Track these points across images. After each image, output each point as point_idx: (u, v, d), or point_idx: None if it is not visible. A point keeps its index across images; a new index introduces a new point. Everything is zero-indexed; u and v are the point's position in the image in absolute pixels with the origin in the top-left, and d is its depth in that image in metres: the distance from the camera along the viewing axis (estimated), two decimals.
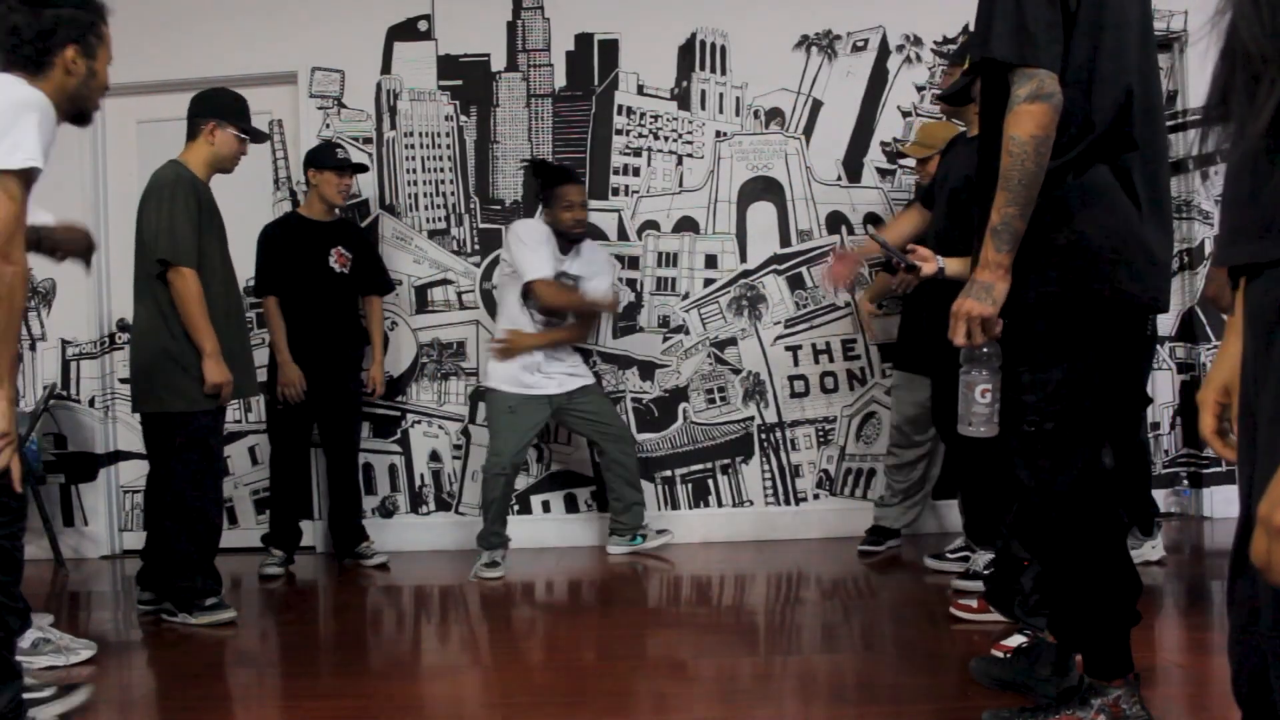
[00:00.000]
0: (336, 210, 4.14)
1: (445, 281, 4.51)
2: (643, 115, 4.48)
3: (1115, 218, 1.86)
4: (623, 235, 4.48)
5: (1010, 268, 1.85)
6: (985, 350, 1.91)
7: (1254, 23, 0.89)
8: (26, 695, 2.20)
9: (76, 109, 2.30)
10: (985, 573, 3.23)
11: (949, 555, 3.70)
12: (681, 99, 4.49)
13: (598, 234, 4.47)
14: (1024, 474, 1.97)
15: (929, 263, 2.50)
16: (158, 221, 3.22)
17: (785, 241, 4.47)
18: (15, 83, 2.09)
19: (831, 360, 4.46)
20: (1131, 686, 1.97)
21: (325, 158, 4.06)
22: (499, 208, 4.51)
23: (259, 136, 3.50)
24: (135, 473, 4.64)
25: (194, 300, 3.20)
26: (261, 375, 3.99)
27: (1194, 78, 4.33)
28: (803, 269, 4.45)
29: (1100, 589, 1.95)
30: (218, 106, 3.39)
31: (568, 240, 3.99)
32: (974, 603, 2.97)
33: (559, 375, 4.03)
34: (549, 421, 4.12)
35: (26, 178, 1.98)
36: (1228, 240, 1.00)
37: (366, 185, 4.51)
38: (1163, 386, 4.47)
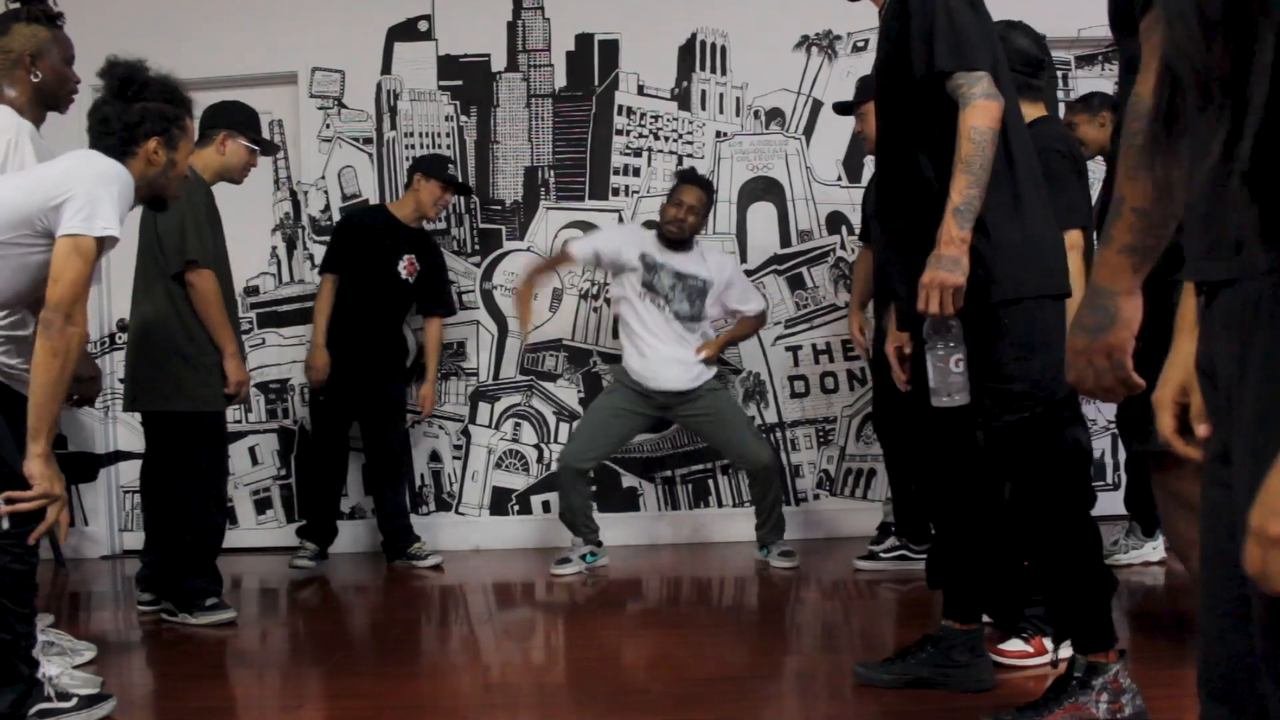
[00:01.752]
0: (424, 221, 4.14)
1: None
2: (643, 115, 4.48)
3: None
4: None
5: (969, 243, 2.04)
6: (952, 322, 2.06)
7: (1200, 44, 0.90)
8: (47, 704, 2.19)
9: (153, 194, 2.45)
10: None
11: (882, 556, 3.73)
12: (681, 99, 4.49)
13: None
14: (1015, 460, 2.12)
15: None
16: (180, 222, 3.18)
17: (785, 242, 4.47)
18: (97, 157, 2.25)
19: (831, 360, 4.46)
20: (1124, 660, 2.05)
21: (437, 169, 4.06)
22: (499, 208, 4.51)
23: (269, 149, 3.53)
24: (135, 473, 4.63)
25: (216, 300, 3.21)
26: (260, 375, 4.00)
27: None
28: (803, 269, 4.45)
29: (1089, 562, 2.09)
30: (230, 117, 3.41)
31: (668, 241, 3.90)
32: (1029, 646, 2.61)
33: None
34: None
35: (101, 245, 2.15)
36: (1202, 255, 1.02)
37: (367, 186, 4.51)
38: None
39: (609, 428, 3.90)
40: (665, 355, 3.84)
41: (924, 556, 3.65)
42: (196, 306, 3.20)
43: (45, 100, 2.68)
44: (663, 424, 4.21)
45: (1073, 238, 2.58)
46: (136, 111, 2.36)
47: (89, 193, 2.12)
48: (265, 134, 3.62)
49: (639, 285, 3.87)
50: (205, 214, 3.25)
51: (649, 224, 4.22)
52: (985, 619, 2.45)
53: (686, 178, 3.96)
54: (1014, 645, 2.56)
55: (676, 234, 3.87)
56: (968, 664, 2.35)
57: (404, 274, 4.06)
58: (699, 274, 3.90)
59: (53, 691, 2.25)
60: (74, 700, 2.28)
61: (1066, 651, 2.35)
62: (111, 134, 2.33)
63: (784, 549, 3.91)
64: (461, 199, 4.47)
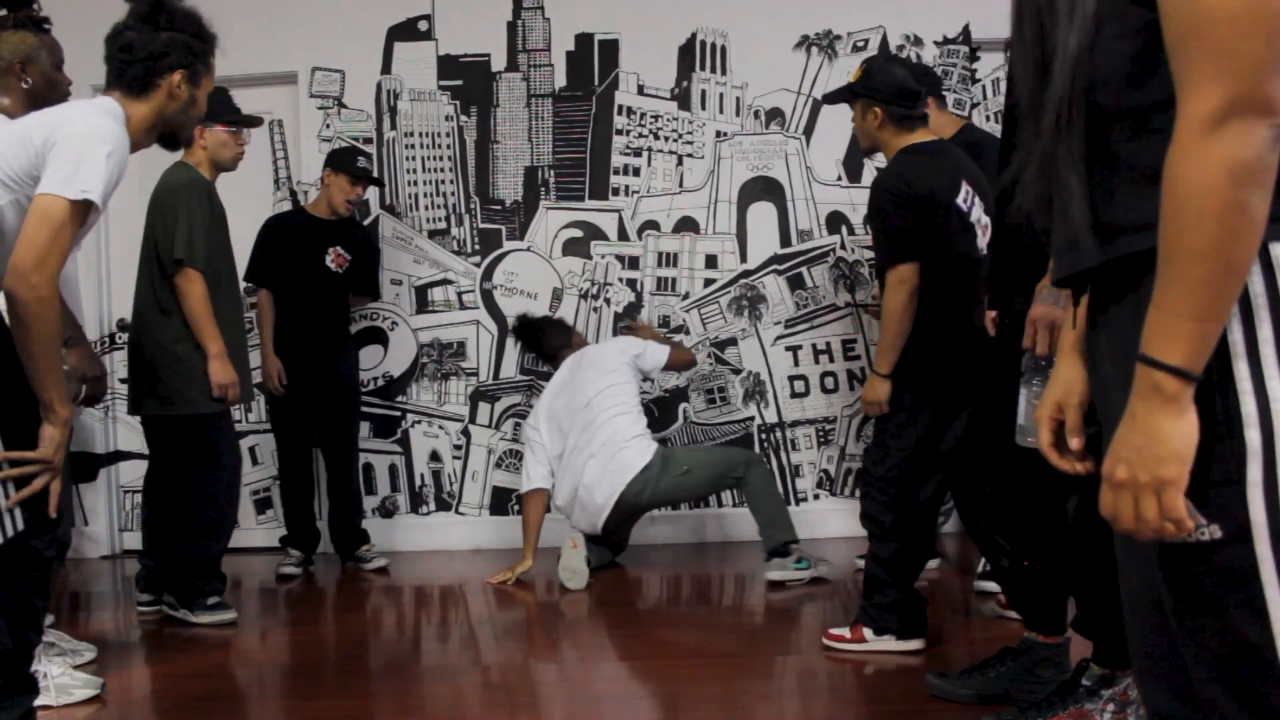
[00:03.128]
0: (341, 213, 4.11)
1: (445, 281, 4.51)
2: (643, 115, 4.48)
3: None
4: (623, 235, 4.48)
5: None
6: (1045, 361, 1.91)
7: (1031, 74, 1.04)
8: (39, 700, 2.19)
9: (170, 131, 2.29)
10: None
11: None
12: (681, 99, 4.49)
13: (599, 234, 4.47)
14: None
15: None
16: (175, 223, 3.20)
17: (785, 241, 4.47)
18: (98, 112, 2.06)
19: (831, 360, 4.46)
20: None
21: (345, 162, 4.03)
22: (499, 208, 4.51)
23: (249, 122, 3.46)
24: (135, 473, 4.64)
25: (201, 301, 3.20)
26: (258, 376, 4.00)
27: None
28: (803, 269, 4.45)
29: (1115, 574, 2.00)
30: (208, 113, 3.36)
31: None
32: (846, 631, 2.80)
33: None
34: None
35: (81, 210, 1.93)
36: (1056, 260, 1.09)
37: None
38: None
39: None
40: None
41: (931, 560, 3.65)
42: (183, 307, 3.20)
43: (37, 106, 2.66)
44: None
45: None
46: (163, 41, 2.22)
47: (75, 155, 1.92)
48: (253, 116, 3.54)
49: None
50: (204, 216, 3.25)
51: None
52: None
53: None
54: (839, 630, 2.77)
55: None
56: (1053, 680, 2.23)
57: (333, 266, 4.05)
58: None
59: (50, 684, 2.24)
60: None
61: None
62: (135, 62, 2.17)
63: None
64: (463, 199, 4.47)
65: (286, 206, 4.49)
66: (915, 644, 2.73)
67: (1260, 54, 0.85)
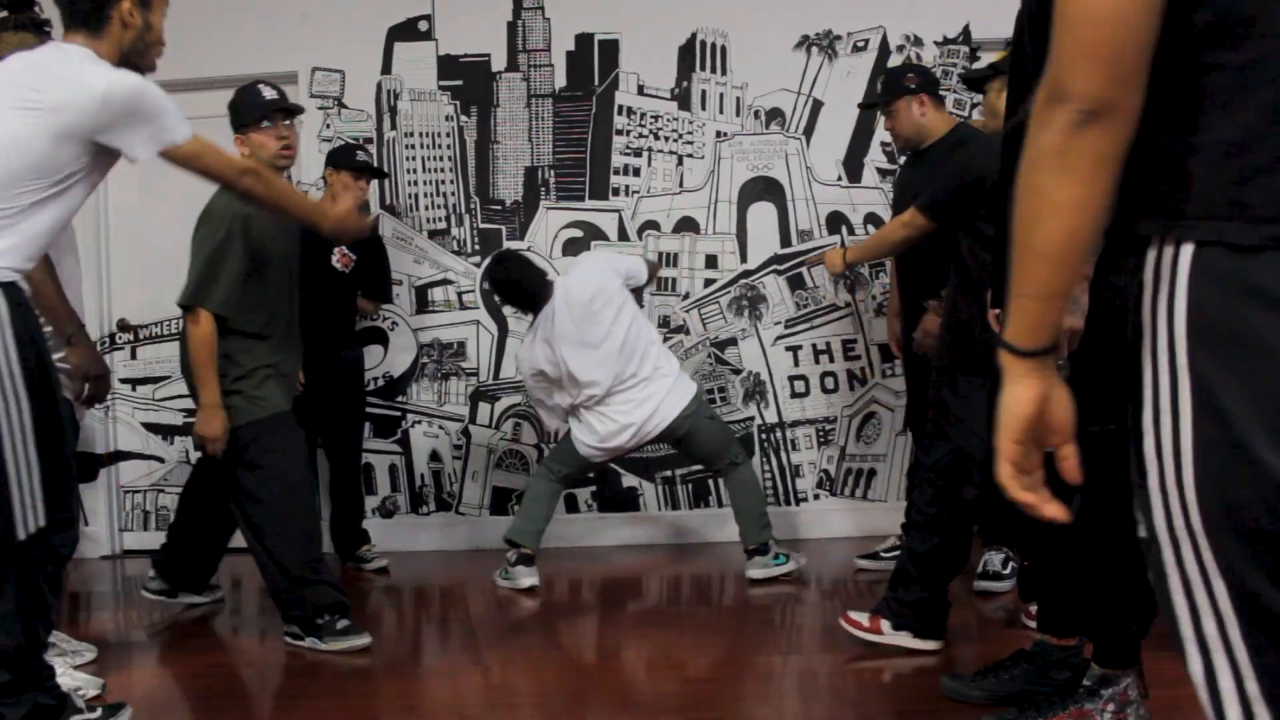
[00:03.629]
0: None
1: (445, 282, 4.51)
2: (643, 115, 4.48)
3: None
4: (623, 235, 4.48)
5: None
6: (1062, 364, 1.90)
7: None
8: (75, 719, 2.18)
9: (132, 66, 2.26)
10: (1005, 573, 3.28)
11: (883, 555, 3.72)
12: (682, 99, 4.49)
13: (599, 234, 4.47)
14: (1091, 472, 2.03)
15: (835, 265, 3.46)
16: (193, 258, 3.03)
17: (785, 242, 4.47)
18: (90, 62, 2.14)
19: (832, 360, 4.46)
20: (1138, 675, 2.02)
21: (343, 158, 4.00)
22: (499, 208, 4.51)
23: (286, 109, 3.22)
24: (135, 473, 4.65)
25: (200, 346, 2.96)
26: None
27: None
28: (803, 269, 4.45)
29: (1136, 586, 2.00)
30: (235, 118, 3.20)
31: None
32: (865, 619, 2.80)
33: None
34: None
35: (193, 138, 2.24)
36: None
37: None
38: None
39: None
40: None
41: None
42: (187, 346, 3.01)
43: None
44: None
45: None
46: None
47: (150, 110, 2.15)
48: (281, 99, 3.26)
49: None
50: (233, 251, 2.99)
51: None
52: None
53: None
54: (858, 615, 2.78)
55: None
56: (1067, 682, 2.19)
57: (339, 265, 4.01)
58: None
59: (81, 703, 2.23)
60: (97, 712, 2.27)
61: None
62: None
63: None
64: (463, 199, 4.47)
65: None
66: (931, 645, 2.71)
67: (1066, 45, 0.89)
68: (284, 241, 3.17)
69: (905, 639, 2.70)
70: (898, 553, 3.66)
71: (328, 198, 4.05)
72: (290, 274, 3.22)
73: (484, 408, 4.51)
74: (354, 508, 4.18)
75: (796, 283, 4.46)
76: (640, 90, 4.49)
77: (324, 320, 3.98)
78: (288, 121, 3.17)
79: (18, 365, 2.02)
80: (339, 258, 4.03)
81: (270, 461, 2.99)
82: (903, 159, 4.14)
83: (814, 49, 4.46)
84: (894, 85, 3.40)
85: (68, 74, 2.10)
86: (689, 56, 4.48)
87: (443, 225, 4.52)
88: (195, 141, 2.25)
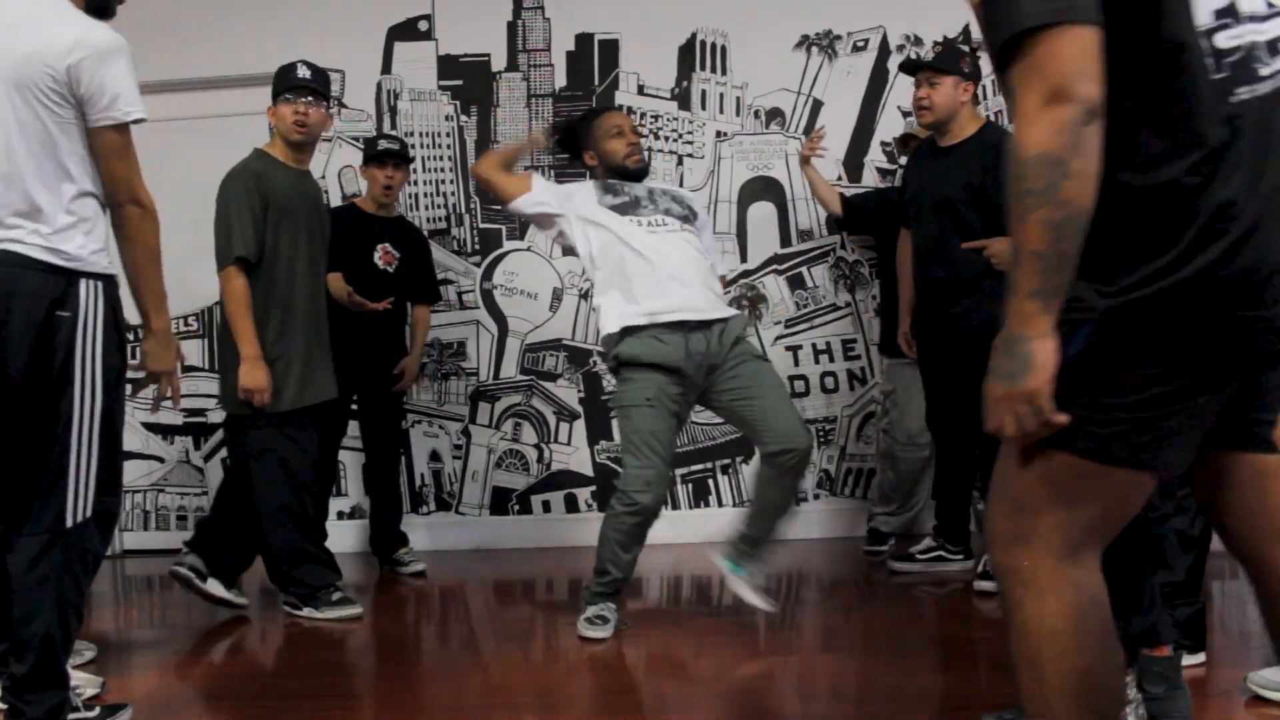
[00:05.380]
0: (388, 207, 4.02)
1: (445, 281, 4.50)
2: (643, 115, 4.48)
3: None
4: None
5: None
6: None
7: None
8: (72, 717, 2.17)
9: (100, 2, 2.23)
10: None
11: (919, 557, 3.67)
12: (682, 99, 4.49)
13: None
14: None
15: None
16: (217, 222, 3.22)
17: (785, 241, 4.47)
18: (81, 19, 2.09)
19: (831, 360, 4.46)
20: (1134, 670, 2.01)
21: (366, 150, 4.02)
22: (499, 208, 4.50)
23: (303, 87, 3.30)
24: (136, 473, 4.64)
25: (235, 300, 3.17)
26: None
27: None
28: (803, 269, 4.45)
29: (1119, 573, 1.98)
30: (272, 90, 3.36)
31: (631, 176, 3.19)
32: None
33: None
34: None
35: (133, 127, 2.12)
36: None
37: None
38: None
39: (666, 438, 2.99)
40: (684, 278, 3.01)
41: (960, 558, 3.62)
42: (223, 305, 3.24)
43: None
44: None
45: None
46: None
47: (113, 77, 2.07)
48: (304, 78, 3.34)
49: (608, 215, 3.08)
50: (250, 205, 3.18)
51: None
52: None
53: (597, 113, 3.35)
54: None
55: (640, 163, 3.21)
56: (1162, 696, 2.02)
57: (381, 264, 3.96)
58: (671, 189, 3.37)
59: (79, 702, 2.24)
60: (96, 711, 2.27)
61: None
62: None
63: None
64: (463, 199, 4.47)
65: None
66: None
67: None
68: (303, 206, 3.32)
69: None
70: (933, 555, 3.64)
71: (368, 194, 4.02)
72: (300, 256, 3.31)
73: (484, 408, 4.52)
74: (392, 512, 4.12)
75: (796, 282, 4.46)
76: (640, 90, 4.49)
77: (369, 319, 3.87)
78: (308, 98, 3.30)
79: (100, 360, 2.07)
80: (381, 255, 3.97)
81: (286, 458, 3.23)
82: (904, 159, 4.15)
83: (814, 49, 4.47)
84: (952, 60, 3.33)
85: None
86: (689, 56, 4.49)
87: (443, 225, 4.52)
88: (125, 131, 2.12)
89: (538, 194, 3.14)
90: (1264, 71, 1.30)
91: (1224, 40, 1.27)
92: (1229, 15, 1.28)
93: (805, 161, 4.02)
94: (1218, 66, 1.26)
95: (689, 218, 3.18)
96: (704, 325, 2.99)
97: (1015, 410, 1.27)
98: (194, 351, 4.61)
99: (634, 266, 3.01)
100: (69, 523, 2.05)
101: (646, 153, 4.46)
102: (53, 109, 2.03)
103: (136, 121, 2.11)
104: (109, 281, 2.13)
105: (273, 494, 3.24)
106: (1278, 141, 1.29)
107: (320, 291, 3.40)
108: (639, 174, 3.20)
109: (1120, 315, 1.28)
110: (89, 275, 2.08)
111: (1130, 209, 1.27)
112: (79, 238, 2.08)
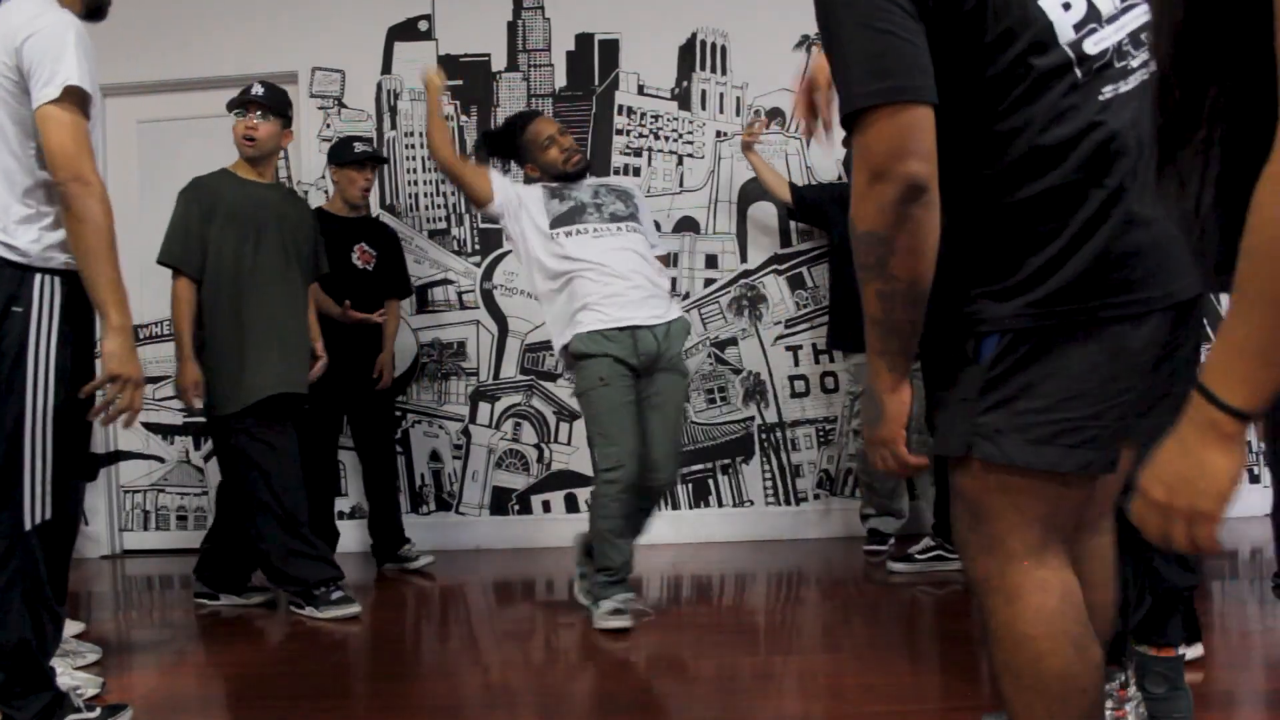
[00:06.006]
0: (360, 208, 4.05)
1: (445, 281, 4.51)
2: (643, 115, 4.48)
3: None
4: None
5: None
6: None
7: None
8: (73, 717, 2.17)
9: (94, 4, 2.23)
10: None
11: (918, 557, 3.67)
12: (682, 99, 4.49)
13: None
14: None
15: None
16: (170, 221, 3.36)
17: (785, 241, 4.47)
18: (42, 6, 2.05)
19: (832, 360, 4.46)
20: (1135, 669, 2.02)
21: (342, 154, 4.01)
22: None
23: (252, 102, 3.43)
24: (135, 473, 4.65)
25: (176, 304, 3.32)
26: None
27: None
28: (803, 269, 4.45)
29: (1137, 586, 2.01)
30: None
31: (574, 178, 3.31)
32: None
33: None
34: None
35: (77, 99, 2.00)
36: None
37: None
38: None
39: (628, 412, 3.11)
40: (630, 292, 3.12)
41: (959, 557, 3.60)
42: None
43: None
44: None
45: None
46: None
47: (49, 60, 2.00)
48: (247, 93, 3.49)
49: (558, 229, 3.18)
50: (190, 215, 3.32)
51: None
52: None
53: (524, 123, 3.42)
54: None
55: (580, 163, 3.31)
56: (1164, 696, 2.03)
57: (360, 264, 3.99)
58: (612, 182, 3.46)
59: (80, 703, 2.23)
60: (96, 712, 2.27)
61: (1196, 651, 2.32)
62: None
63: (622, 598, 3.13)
64: (463, 199, 4.47)
65: None
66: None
67: None
68: (263, 213, 3.40)
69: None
70: (932, 555, 3.63)
71: (337, 196, 4.04)
72: (273, 259, 3.40)
73: (484, 408, 4.52)
74: (390, 509, 4.14)
75: (797, 282, 4.46)
76: (640, 90, 4.49)
77: (347, 331, 3.91)
78: (258, 113, 3.43)
79: (54, 358, 2.04)
80: (359, 255, 4.00)
81: (257, 457, 3.30)
82: None
83: (814, 49, 4.46)
84: None
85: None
86: (689, 56, 4.49)
87: (443, 225, 4.52)
88: (61, 103, 2.00)
89: (499, 200, 3.32)
90: (1134, 64, 1.32)
91: (1091, 46, 1.29)
92: (1092, 20, 1.30)
93: (747, 148, 4.13)
94: (1087, 72, 1.28)
95: (633, 215, 3.29)
96: (651, 325, 3.16)
97: (878, 451, 1.41)
98: None
99: (581, 286, 3.13)
100: (28, 525, 2.01)
101: (648, 152, 4.47)
102: (6, 99, 2.01)
103: (80, 96, 2.00)
104: (66, 277, 2.07)
105: (249, 494, 3.32)
106: (1151, 129, 1.30)
107: (288, 295, 3.44)
108: (581, 173, 3.32)
109: (1021, 319, 1.30)
110: (44, 270, 2.04)
111: (1014, 222, 1.30)
112: (34, 231, 2.03)
